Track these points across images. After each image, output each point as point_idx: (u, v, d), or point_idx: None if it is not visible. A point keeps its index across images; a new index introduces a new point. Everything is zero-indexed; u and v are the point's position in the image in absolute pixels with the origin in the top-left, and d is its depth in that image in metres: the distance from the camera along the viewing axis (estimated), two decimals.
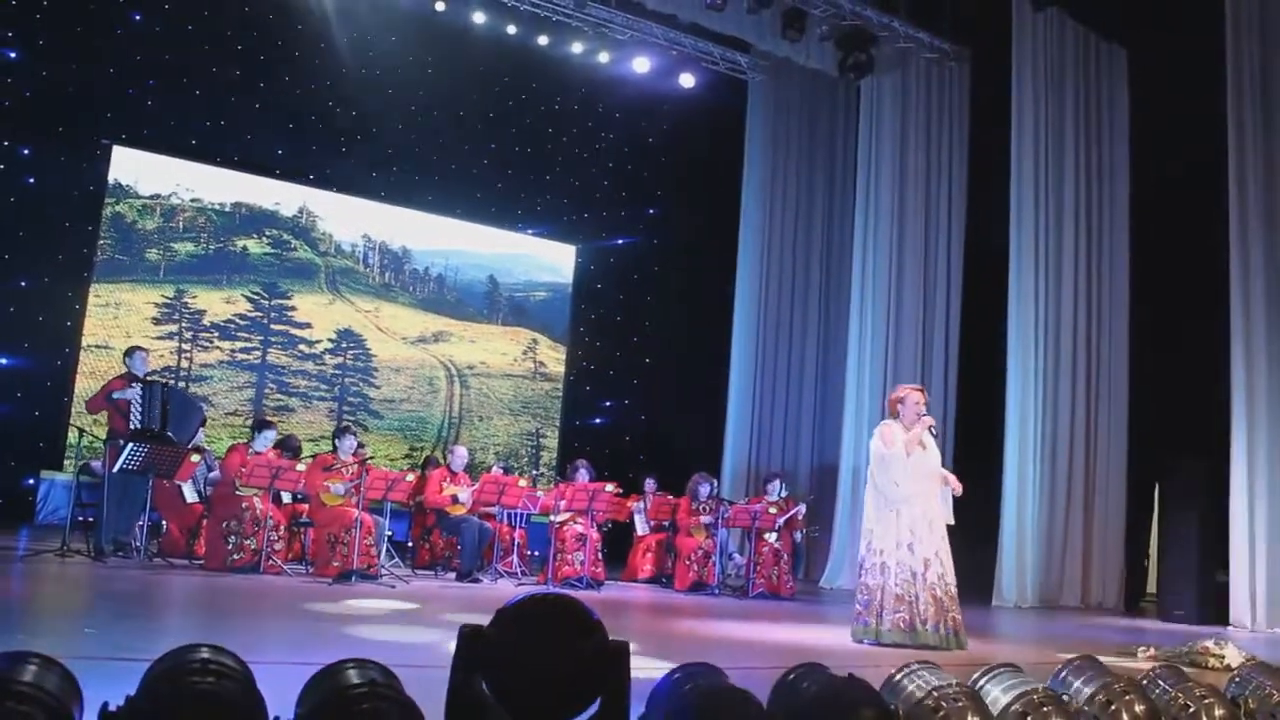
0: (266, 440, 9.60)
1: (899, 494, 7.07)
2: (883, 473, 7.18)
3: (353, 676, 2.54)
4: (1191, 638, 7.43)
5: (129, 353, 9.55)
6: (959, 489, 7.35)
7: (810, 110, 15.35)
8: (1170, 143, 12.80)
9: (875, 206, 13.45)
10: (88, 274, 13.26)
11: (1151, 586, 13.64)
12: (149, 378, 9.49)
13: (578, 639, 2.63)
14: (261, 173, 14.40)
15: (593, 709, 2.65)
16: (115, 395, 9.06)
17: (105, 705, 2.29)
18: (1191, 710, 3.54)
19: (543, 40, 14.39)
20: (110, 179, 13.52)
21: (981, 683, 3.40)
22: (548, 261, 16.64)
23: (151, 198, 13.83)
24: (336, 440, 9.96)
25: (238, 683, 2.42)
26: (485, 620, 2.72)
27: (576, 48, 14.51)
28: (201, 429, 9.95)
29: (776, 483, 11.67)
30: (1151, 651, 7.22)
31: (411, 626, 6.77)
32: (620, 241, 16.74)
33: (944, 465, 7.51)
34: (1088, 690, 3.50)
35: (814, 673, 3.14)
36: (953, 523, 7.42)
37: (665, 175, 16.54)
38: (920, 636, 6.88)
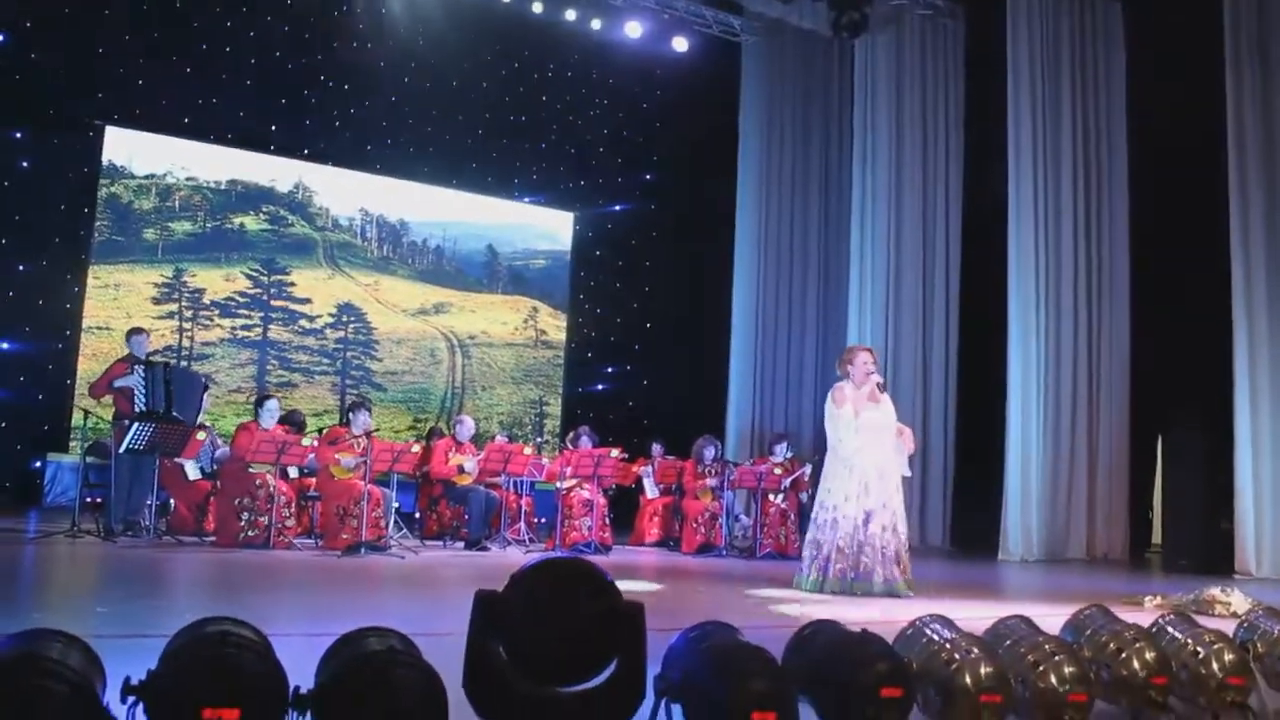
0: (272, 413, 9.59)
1: (848, 450, 7.36)
2: (833, 431, 7.47)
3: (372, 644, 2.56)
4: (1198, 586, 7.46)
5: (129, 336, 9.55)
6: (911, 446, 7.71)
7: (805, 71, 15.26)
8: (1168, 97, 12.72)
9: (872, 165, 13.40)
10: (85, 256, 13.24)
11: (1156, 537, 13.70)
12: (150, 358, 9.50)
13: (592, 601, 2.65)
14: (256, 149, 14.34)
15: (610, 669, 2.68)
16: (118, 383, 9.08)
17: (127, 679, 2.31)
18: (1201, 656, 3.56)
19: (536, 7, 14.29)
20: (104, 160, 13.48)
21: (994, 633, 3.43)
22: (546, 229, 16.61)
23: (147, 178, 13.79)
24: (350, 415, 9.98)
25: (257, 654, 2.44)
26: (497, 587, 2.74)
27: (569, 14, 14.41)
28: (206, 395, 9.93)
29: (783, 444, 11.74)
30: (1159, 600, 7.26)
31: (424, 596, 6.82)
32: (618, 208, 16.70)
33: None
34: (1099, 639, 3.53)
35: (828, 629, 3.17)
36: (909, 474, 7.83)
37: (661, 140, 16.47)
38: (856, 587, 7.16)
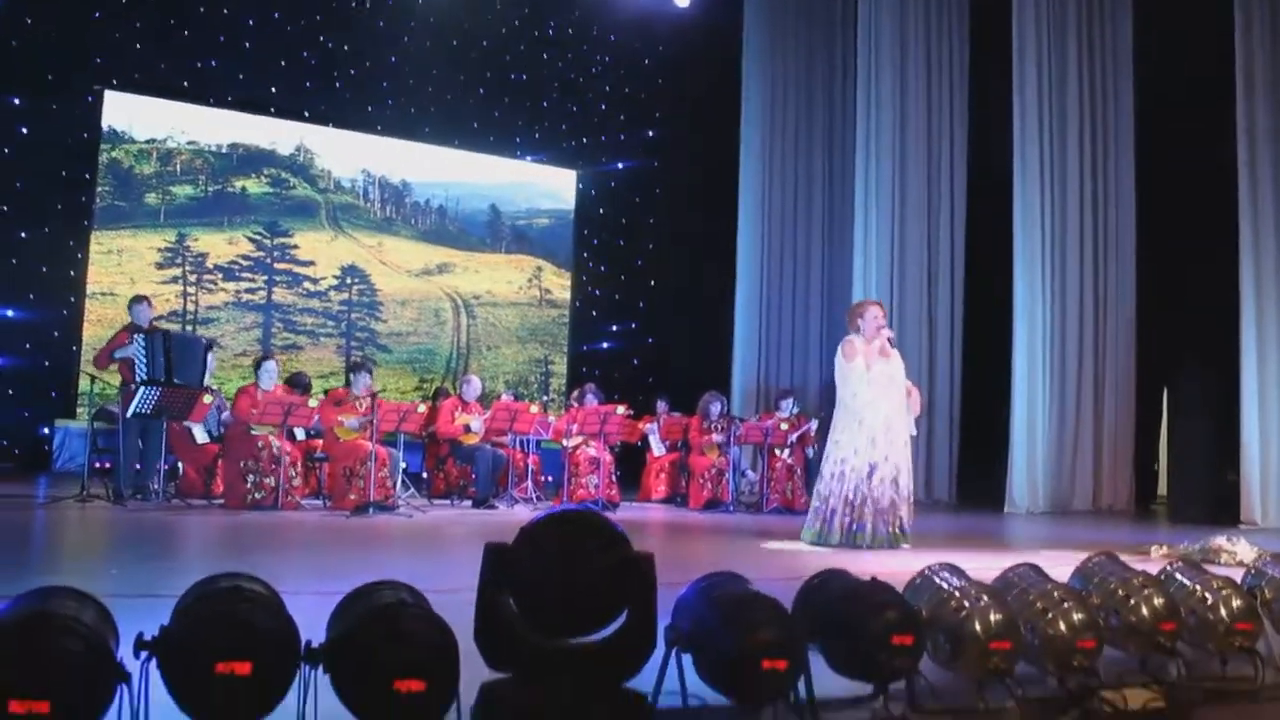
0: (270, 374, 9.59)
1: (859, 404, 7.37)
2: (843, 385, 7.48)
3: (384, 596, 2.58)
4: (1203, 536, 7.48)
5: (131, 304, 9.56)
6: (918, 409, 7.75)
7: (807, 22, 15.09)
8: (1176, 48, 12.59)
9: (876, 121, 13.27)
10: (88, 222, 13.22)
11: (1162, 489, 13.73)
12: (154, 325, 9.51)
13: (602, 552, 2.65)
14: (256, 111, 14.27)
15: (620, 620, 2.68)
16: (118, 354, 9.11)
17: (140, 635, 2.32)
18: (1209, 602, 3.58)
19: None
20: (104, 125, 13.42)
21: (1003, 581, 3.45)
22: (549, 188, 16.54)
23: (147, 142, 13.74)
24: (351, 375, 9.99)
25: (269, 608, 2.45)
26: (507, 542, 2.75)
27: None
28: (211, 354, 9.92)
29: (789, 400, 11.75)
30: (1165, 550, 7.28)
31: (433, 553, 6.85)
32: (620, 165, 16.61)
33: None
34: (1107, 585, 3.54)
35: (837, 578, 3.18)
36: (914, 434, 7.82)
37: (663, 96, 16.36)
38: (857, 538, 7.24)
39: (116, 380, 9.35)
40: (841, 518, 7.28)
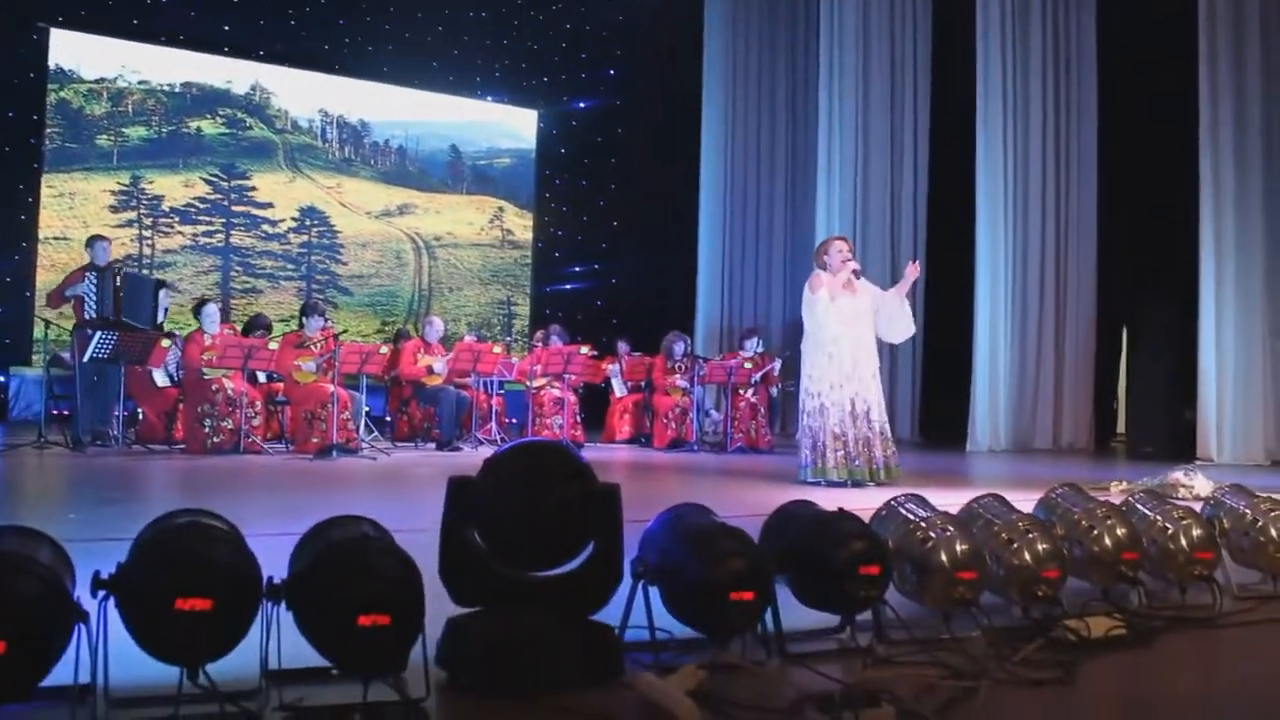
0: (211, 317, 9.47)
1: (829, 335, 7.39)
2: (811, 317, 7.49)
3: (346, 530, 2.54)
4: (1162, 472, 7.57)
5: (90, 243, 9.40)
6: (914, 275, 7.67)
7: None
8: None
9: (840, 58, 13.14)
10: (38, 165, 12.95)
11: (1121, 427, 13.89)
12: (110, 265, 9.37)
13: (566, 483, 2.62)
14: (209, 50, 13.98)
15: (586, 552, 2.66)
16: (68, 292, 8.98)
17: (97, 573, 2.27)
18: (1170, 532, 3.61)
19: None
20: (51, 64, 13.11)
21: (969, 512, 3.46)
22: (509, 127, 16.35)
23: (97, 82, 13.43)
24: (304, 318, 9.89)
25: (229, 544, 2.41)
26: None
27: None
28: (165, 292, 9.76)
29: (753, 339, 11.75)
30: (1124, 485, 7.37)
31: (397, 494, 6.82)
32: (582, 104, 16.45)
33: (916, 319, 7.82)
34: (1071, 516, 3.56)
35: (803, 509, 3.17)
36: (914, 331, 7.92)
37: (625, 34, 16.16)
38: (856, 473, 7.32)
39: (70, 324, 9.21)
40: (836, 452, 7.32)
